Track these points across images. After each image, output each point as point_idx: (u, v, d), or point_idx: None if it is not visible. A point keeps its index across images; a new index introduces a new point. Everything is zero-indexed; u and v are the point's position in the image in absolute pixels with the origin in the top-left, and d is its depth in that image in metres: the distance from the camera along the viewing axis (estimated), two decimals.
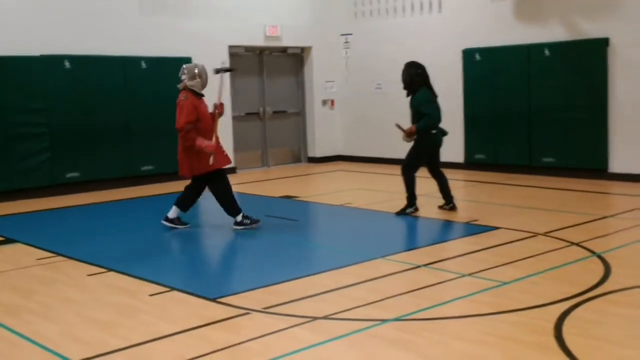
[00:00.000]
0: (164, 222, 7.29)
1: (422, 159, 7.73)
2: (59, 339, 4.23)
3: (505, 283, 5.11)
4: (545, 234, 6.63)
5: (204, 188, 7.37)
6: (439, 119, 7.62)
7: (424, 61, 11.85)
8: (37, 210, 8.71)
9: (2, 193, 9.31)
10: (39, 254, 6.42)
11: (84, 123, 10.03)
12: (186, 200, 7.35)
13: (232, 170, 12.04)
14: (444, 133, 7.80)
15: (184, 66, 7.17)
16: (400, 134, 7.74)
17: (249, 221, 7.25)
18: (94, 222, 8.11)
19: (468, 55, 11.47)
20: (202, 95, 7.14)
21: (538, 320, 4.30)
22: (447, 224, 7.40)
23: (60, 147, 9.81)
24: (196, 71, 7.05)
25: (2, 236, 7.17)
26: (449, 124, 11.79)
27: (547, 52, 10.54)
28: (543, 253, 5.93)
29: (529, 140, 10.83)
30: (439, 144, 7.75)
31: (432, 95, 7.65)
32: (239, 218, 7.26)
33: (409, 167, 7.69)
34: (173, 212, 7.32)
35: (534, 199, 8.76)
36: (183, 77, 7.06)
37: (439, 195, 7.99)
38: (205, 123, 7.05)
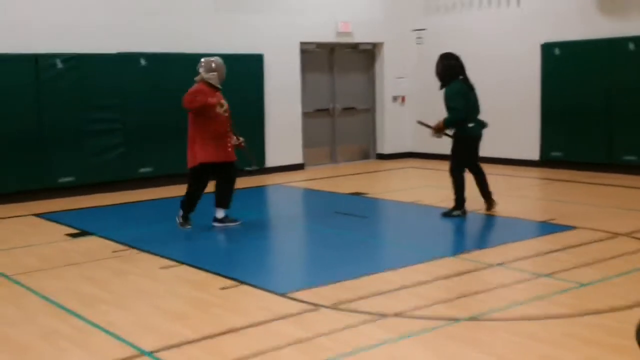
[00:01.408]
0: (215, 224, 7.30)
1: (465, 155, 7.38)
2: (132, 329, 4.30)
3: (584, 284, 4.91)
4: (626, 235, 6.34)
5: (230, 176, 7.30)
6: (469, 112, 7.23)
7: (500, 56, 11.78)
8: (111, 204, 8.94)
9: (78, 187, 9.59)
10: (114, 246, 6.57)
11: (157, 120, 10.21)
12: (223, 197, 7.32)
13: (301, 167, 12.08)
14: (483, 125, 7.42)
15: (202, 60, 7.25)
16: (428, 130, 7.44)
17: (182, 222, 7.24)
18: (166, 216, 8.23)
19: (547, 49, 11.10)
20: (218, 89, 7.17)
21: (619, 323, 4.10)
22: (522, 223, 7.18)
23: (134, 143, 10.05)
24: (213, 65, 7.12)
25: (78, 229, 7.39)
26: (524, 120, 11.62)
27: (631, 46, 10.08)
28: (624, 254, 5.67)
29: (610, 137, 10.41)
30: (477, 137, 7.39)
31: (466, 87, 7.30)
32: (180, 214, 7.25)
33: (456, 168, 7.38)
34: (219, 213, 7.32)
35: (614, 198, 8.41)
36: (200, 69, 7.14)
37: (509, 193, 7.74)
38: (212, 114, 7.01)
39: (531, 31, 11.32)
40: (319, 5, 12.07)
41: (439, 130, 7.39)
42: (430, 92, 13.01)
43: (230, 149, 7.19)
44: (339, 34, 12.41)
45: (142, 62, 10.11)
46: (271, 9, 11.55)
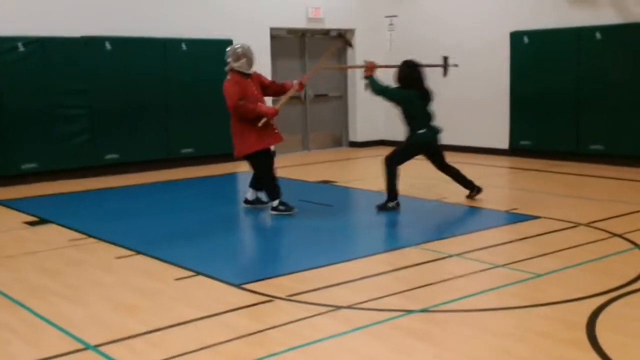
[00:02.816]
0: (273, 213, 7.18)
1: (407, 156, 7.44)
2: (80, 322, 4.22)
3: (540, 275, 4.90)
4: (587, 225, 6.35)
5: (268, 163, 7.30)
6: (419, 118, 7.27)
7: (470, 44, 11.74)
8: (75, 192, 8.80)
9: (42, 173, 9.43)
10: (72, 235, 6.46)
11: (124, 105, 10.09)
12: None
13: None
14: (435, 132, 7.46)
15: (228, 49, 7.17)
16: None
17: (284, 208, 7.15)
18: (130, 204, 8.15)
19: (516, 38, 11.09)
20: (250, 75, 7.10)
21: (571, 315, 4.09)
22: (485, 212, 7.17)
23: (100, 129, 9.90)
24: (240, 51, 7.04)
25: (37, 217, 7.26)
26: (494, 109, 11.62)
27: (598, 35, 10.11)
28: (583, 244, 5.68)
29: (577, 126, 10.45)
30: (428, 142, 7.39)
31: (417, 97, 7.30)
32: (275, 203, 7.17)
33: (392, 158, 7.37)
34: (274, 202, 7.21)
35: (579, 188, 8.44)
36: (229, 60, 7.04)
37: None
38: (252, 101, 6.95)
39: (500, 20, 11.31)
40: None
41: (367, 71, 7.33)
42: None
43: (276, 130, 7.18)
44: (310, 19, 12.30)
45: (108, 46, 9.93)
46: None
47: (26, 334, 4.05)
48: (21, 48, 9.21)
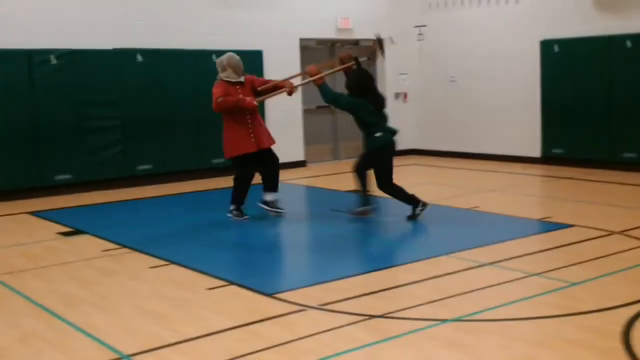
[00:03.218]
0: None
1: (370, 163, 7.38)
2: (112, 332, 4.24)
3: (574, 284, 4.81)
4: (621, 233, 6.23)
5: (267, 165, 7.52)
6: (375, 121, 7.17)
7: (500, 52, 11.66)
8: (108, 202, 8.90)
9: (74, 185, 9.56)
10: (105, 245, 6.53)
11: (155, 116, 10.18)
12: (268, 183, 7.61)
13: (302, 164, 12.00)
14: (393, 132, 7.38)
15: (216, 61, 7.40)
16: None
17: (236, 213, 7.45)
18: (162, 214, 8.21)
19: (546, 46, 10.98)
20: (241, 83, 7.31)
21: (606, 324, 4.01)
22: (518, 221, 7.07)
23: (132, 140, 10.00)
24: (224, 63, 7.26)
25: (71, 227, 7.35)
26: (525, 117, 11.50)
27: (629, 43, 9.96)
28: (617, 253, 5.57)
29: (610, 134, 10.28)
30: (389, 143, 7.27)
31: (370, 102, 7.20)
32: (231, 207, 7.49)
33: (383, 181, 7.32)
34: (270, 196, 7.56)
35: (612, 196, 8.28)
36: (218, 70, 7.33)
37: (508, 190, 7.65)
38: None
39: (530, 28, 11.22)
40: (319, 1, 11.98)
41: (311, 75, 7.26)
42: (433, 88, 12.96)
43: (253, 140, 7.29)
44: (339, 30, 12.31)
45: (139, 58, 10.05)
46: (271, 5, 11.47)
47: (59, 343, 4.08)
48: (54, 60, 9.37)
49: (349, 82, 7.37)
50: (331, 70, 7.61)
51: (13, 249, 6.52)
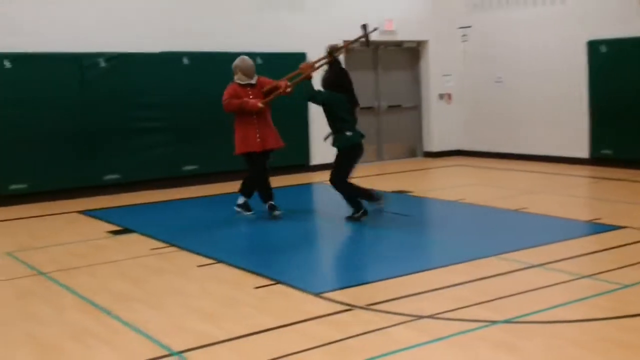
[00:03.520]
0: (235, 207, 7.82)
1: (347, 166, 7.31)
2: (162, 329, 4.29)
3: (625, 286, 4.69)
4: None
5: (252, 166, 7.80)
6: (347, 122, 7.21)
7: (546, 53, 11.46)
8: (155, 202, 9.02)
9: (122, 184, 9.74)
10: (153, 244, 6.62)
11: (201, 118, 10.29)
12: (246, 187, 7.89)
13: None
14: (362, 135, 7.43)
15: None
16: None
17: (244, 208, 7.72)
18: (208, 214, 8.29)
19: (593, 47, 10.77)
20: (252, 85, 7.62)
21: None
22: (567, 223, 6.94)
23: (178, 141, 10.14)
24: (233, 67, 7.67)
25: (120, 226, 7.48)
26: (572, 117, 11.28)
27: None
28: None
29: None
30: (358, 143, 7.30)
31: (347, 99, 7.25)
32: (240, 200, 7.76)
33: (338, 179, 7.29)
34: (240, 199, 7.83)
35: None
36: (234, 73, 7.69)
37: (556, 191, 7.51)
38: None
39: (577, 28, 11.02)
40: (362, 3, 11.96)
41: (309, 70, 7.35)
42: (478, 89, 12.82)
43: (258, 140, 7.55)
44: (383, 32, 12.27)
45: (185, 61, 10.19)
46: (315, 7, 11.50)
47: (110, 340, 4.15)
48: (103, 64, 9.56)
49: (329, 77, 7.36)
50: (322, 62, 7.60)
51: (64, 247, 6.67)
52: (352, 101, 7.40)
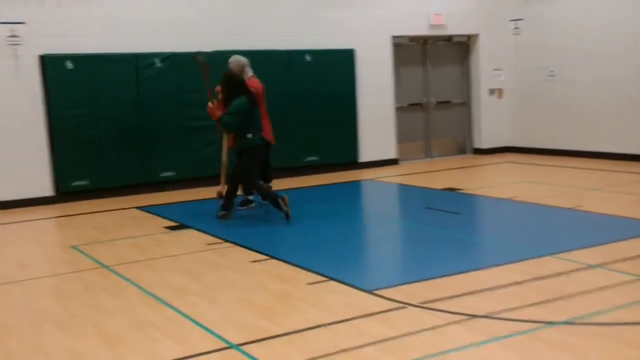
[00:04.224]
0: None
1: (251, 164, 7.52)
2: (221, 322, 4.39)
3: None
4: None
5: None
6: (251, 125, 7.40)
7: (600, 49, 11.23)
8: (210, 198, 9.13)
9: (179, 181, 9.94)
10: (208, 239, 6.75)
11: None
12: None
13: (395, 162, 11.98)
14: (262, 138, 7.59)
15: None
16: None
17: (225, 213, 7.60)
18: (261, 210, 8.38)
19: None
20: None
21: None
22: (626, 222, 6.79)
23: None
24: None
25: (176, 222, 7.65)
26: (626, 113, 11.00)
27: None
28: None
29: None
30: (258, 145, 7.51)
31: (250, 101, 7.39)
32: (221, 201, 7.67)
33: (237, 175, 7.56)
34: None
35: None
36: None
37: (612, 189, 7.35)
38: None
39: (633, 21, 10.72)
40: None
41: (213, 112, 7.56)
42: (530, 84, 12.62)
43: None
44: (432, 26, 12.20)
45: None
46: (362, 3, 11.50)
47: (172, 332, 4.27)
48: (158, 63, 9.76)
49: (225, 85, 7.47)
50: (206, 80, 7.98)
51: (125, 242, 6.87)
52: (254, 101, 7.50)
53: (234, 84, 7.45)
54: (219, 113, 7.50)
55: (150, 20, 9.83)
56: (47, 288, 5.53)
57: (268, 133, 8.11)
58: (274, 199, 7.35)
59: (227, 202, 7.55)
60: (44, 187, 9.25)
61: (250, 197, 8.23)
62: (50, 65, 9.15)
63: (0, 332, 4.42)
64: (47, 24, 9.12)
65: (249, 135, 7.43)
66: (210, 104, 7.64)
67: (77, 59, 9.28)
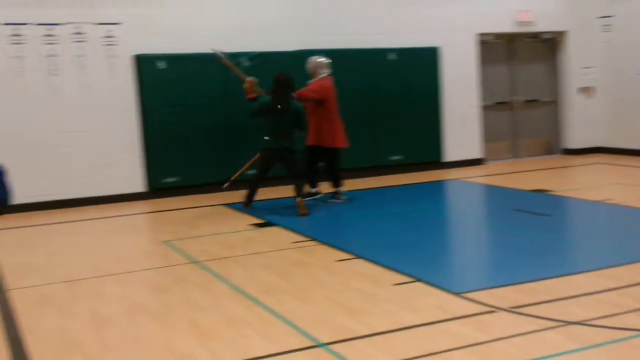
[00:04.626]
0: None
1: (263, 166, 8.29)
2: (307, 320, 4.43)
3: None
4: None
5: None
6: (266, 126, 8.11)
7: None
8: (292, 197, 9.22)
9: (265, 179, 10.05)
10: (294, 237, 6.83)
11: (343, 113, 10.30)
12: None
13: (480, 162, 11.76)
14: (277, 143, 8.06)
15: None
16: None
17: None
18: (344, 209, 8.42)
19: None
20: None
21: None
22: None
23: None
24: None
25: (262, 219, 7.78)
26: None
27: None
28: None
29: None
30: (270, 149, 8.13)
31: (271, 104, 8.06)
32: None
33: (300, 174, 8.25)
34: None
35: None
36: None
37: None
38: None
39: None
40: None
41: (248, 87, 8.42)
42: (623, 82, 12.11)
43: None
44: (519, 23, 11.89)
45: None
46: (448, 1, 11.33)
47: (261, 328, 4.35)
48: (246, 62, 9.94)
49: (272, 81, 8.20)
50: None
51: (213, 238, 7.04)
52: (274, 107, 8.00)
53: (274, 82, 8.15)
54: (252, 95, 8.38)
55: (238, 20, 10.03)
56: (142, 281, 5.75)
57: (338, 136, 8.56)
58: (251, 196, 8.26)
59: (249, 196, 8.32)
60: (137, 183, 9.61)
61: (314, 190, 8.78)
62: (144, 65, 9.48)
63: (98, 323, 4.62)
64: (141, 24, 9.45)
65: (266, 138, 8.08)
66: (249, 79, 8.46)
67: (169, 58, 9.57)
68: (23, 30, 8.92)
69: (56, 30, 9.09)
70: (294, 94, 8.20)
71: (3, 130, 8.88)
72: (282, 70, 8.53)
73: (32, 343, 4.27)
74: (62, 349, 4.19)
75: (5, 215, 7.74)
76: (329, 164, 8.71)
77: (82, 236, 7.55)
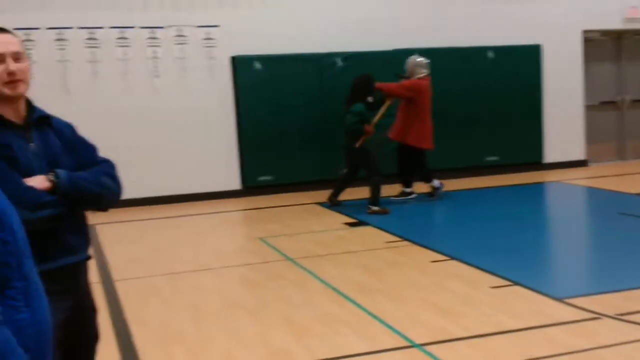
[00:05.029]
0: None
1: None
2: (402, 320, 4.37)
3: None
4: None
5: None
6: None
7: None
8: (388, 196, 9.11)
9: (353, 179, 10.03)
10: (387, 237, 6.77)
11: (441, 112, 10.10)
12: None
13: (583, 163, 11.29)
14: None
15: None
16: None
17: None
18: (438, 210, 8.30)
19: None
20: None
21: None
22: None
23: None
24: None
25: (355, 218, 7.76)
26: None
27: None
28: None
29: None
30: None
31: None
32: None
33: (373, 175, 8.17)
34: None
35: None
36: None
37: None
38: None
39: None
40: None
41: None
42: None
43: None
44: (627, 19, 11.32)
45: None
46: None
47: (356, 327, 4.33)
48: (339, 63, 9.96)
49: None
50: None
51: (307, 236, 7.09)
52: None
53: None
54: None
55: (332, 21, 10.06)
56: (238, 276, 5.87)
57: (426, 137, 8.64)
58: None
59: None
60: (233, 181, 9.82)
61: (407, 190, 8.78)
62: (241, 65, 9.68)
63: (196, 315, 4.74)
64: (239, 27, 9.64)
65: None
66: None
67: (265, 59, 9.73)
68: (127, 33, 9.30)
69: (158, 33, 9.43)
70: (373, 91, 8.42)
71: (111, 128, 9.25)
72: (370, 72, 8.66)
73: (136, 333, 4.43)
74: (165, 339, 4.32)
75: (110, 211, 8.11)
76: (405, 161, 8.65)
77: (182, 231, 7.78)
